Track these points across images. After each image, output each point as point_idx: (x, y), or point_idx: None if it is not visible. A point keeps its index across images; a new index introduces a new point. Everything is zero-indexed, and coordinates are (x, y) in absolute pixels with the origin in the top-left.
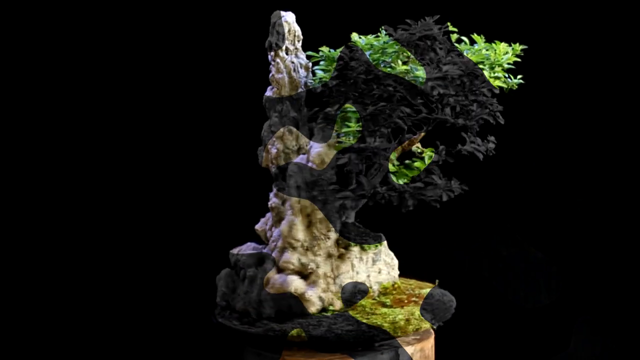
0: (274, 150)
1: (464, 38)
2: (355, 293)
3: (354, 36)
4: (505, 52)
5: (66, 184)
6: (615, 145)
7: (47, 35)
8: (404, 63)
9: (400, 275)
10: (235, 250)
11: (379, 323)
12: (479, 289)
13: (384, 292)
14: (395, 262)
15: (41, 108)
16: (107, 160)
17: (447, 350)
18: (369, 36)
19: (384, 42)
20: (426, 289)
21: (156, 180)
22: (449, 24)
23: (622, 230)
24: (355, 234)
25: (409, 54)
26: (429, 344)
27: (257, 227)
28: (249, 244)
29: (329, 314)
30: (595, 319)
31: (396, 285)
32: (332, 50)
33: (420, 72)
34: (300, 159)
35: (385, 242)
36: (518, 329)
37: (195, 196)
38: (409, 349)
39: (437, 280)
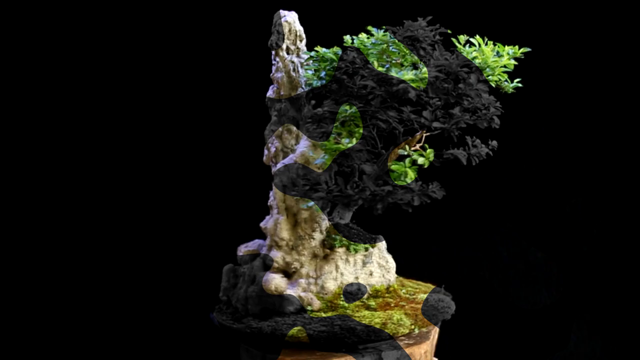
0: (273, 149)
1: (472, 40)
2: (341, 294)
3: (347, 37)
4: (497, 55)
5: (72, 180)
6: (613, 146)
7: (47, 36)
8: (383, 65)
9: (411, 278)
10: (242, 247)
11: (352, 326)
12: (480, 290)
13: (375, 295)
14: (392, 265)
15: (45, 109)
16: (116, 160)
17: (447, 351)
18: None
19: (371, 44)
20: (421, 294)
21: (168, 179)
22: (438, 25)
23: (621, 230)
24: (345, 235)
25: (395, 55)
26: (422, 349)
27: (262, 224)
28: (255, 240)
29: (306, 314)
30: (595, 319)
31: (391, 289)
32: (325, 50)
33: (394, 74)
34: (289, 158)
35: (381, 245)
36: (518, 329)
37: (210, 194)
38: (395, 353)
39: (443, 285)
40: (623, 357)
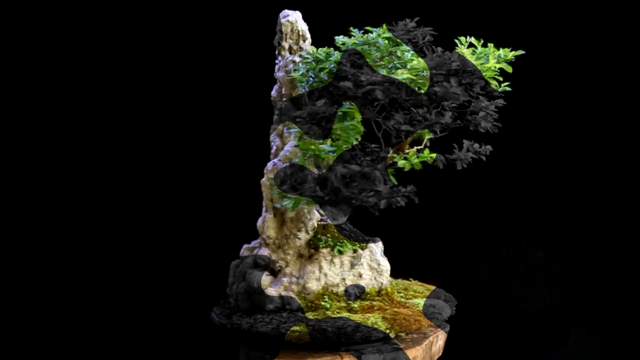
0: (274, 147)
1: (474, 42)
2: (324, 295)
3: (338, 37)
4: (482, 58)
5: (76, 180)
6: (613, 145)
7: (48, 36)
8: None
9: (421, 280)
10: (250, 244)
11: (323, 327)
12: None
13: (363, 297)
14: (385, 267)
15: (46, 109)
16: (120, 159)
17: (446, 351)
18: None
19: (353, 45)
20: (419, 298)
21: (179, 178)
22: (422, 26)
23: (621, 230)
24: (335, 236)
25: (369, 56)
26: (410, 355)
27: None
28: None
29: (284, 312)
30: (594, 319)
31: (383, 292)
32: (318, 51)
33: (363, 77)
34: (277, 158)
35: (373, 247)
36: (518, 328)
37: (223, 191)
38: (376, 357)
39: (442, 291)
40: (623, 357)
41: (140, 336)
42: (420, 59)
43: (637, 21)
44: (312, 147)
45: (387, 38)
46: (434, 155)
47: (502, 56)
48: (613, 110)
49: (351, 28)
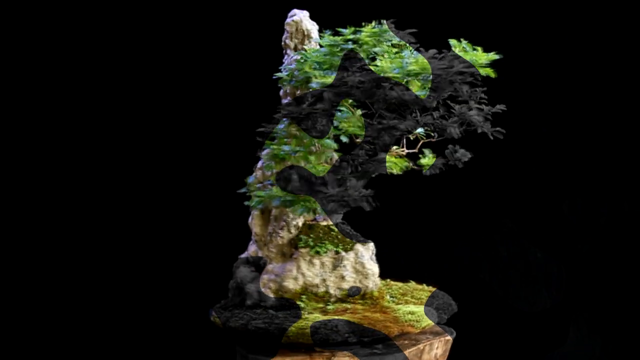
0: None
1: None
2: (302, 294)
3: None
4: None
5: (83, 178)
6: (614, 146)
7: (50, 36)
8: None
9: (425, 282)
10: None
11: (286, 326)
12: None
13: (344, 299)
14: (371, 271)
15: (46, 109)
16: (122, 159)
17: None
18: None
19: (327, 46)
20: (411, 305)
21: (186, 176)
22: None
23: (621, 230)
24: (319, 236)
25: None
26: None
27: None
28: None
29: (259, 309)
30: (594, 318)
31: (368, 295)
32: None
33: (322, 79)
34: None
35: (360, 249)
36: (517, 327)
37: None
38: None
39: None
40: (623, 356)
41: (141, 335)
42: (386, 62)
43: (637, 21)
44: (274, 146)
45: (350, 40)
46: (400, 160)
47: (474, 60)
48: (613, 111)
49: (323, 30)
